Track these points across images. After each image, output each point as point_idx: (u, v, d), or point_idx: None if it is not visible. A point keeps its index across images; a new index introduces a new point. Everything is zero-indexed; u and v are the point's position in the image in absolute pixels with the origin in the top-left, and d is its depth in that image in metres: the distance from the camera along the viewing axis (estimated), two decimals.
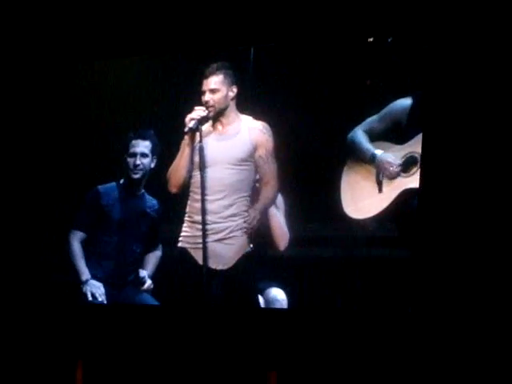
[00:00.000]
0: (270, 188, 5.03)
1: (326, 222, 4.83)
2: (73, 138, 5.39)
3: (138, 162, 5.24)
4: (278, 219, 4.96)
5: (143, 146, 5.29)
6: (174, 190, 5.18)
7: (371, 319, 4.26)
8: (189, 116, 5.12)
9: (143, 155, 5.28)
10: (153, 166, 5.29)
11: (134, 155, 5.29)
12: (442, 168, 4.18)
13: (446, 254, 4.03)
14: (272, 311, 4.64)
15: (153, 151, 5.30)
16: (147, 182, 5.30)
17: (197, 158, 5.11)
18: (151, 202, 5.30)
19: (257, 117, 5.08)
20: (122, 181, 5.35)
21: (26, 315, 4.88)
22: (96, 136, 5.38)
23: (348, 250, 4.74)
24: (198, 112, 5.11)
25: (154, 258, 5.25)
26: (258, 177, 5.04)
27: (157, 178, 5.20)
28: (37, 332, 4.79)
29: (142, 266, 5.25)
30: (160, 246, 5.26)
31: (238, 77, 5.09)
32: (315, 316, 4.46)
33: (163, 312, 4.74)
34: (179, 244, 5.14)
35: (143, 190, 5.34)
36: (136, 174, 5.26)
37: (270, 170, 5.01)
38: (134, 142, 5.31)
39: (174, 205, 5.12)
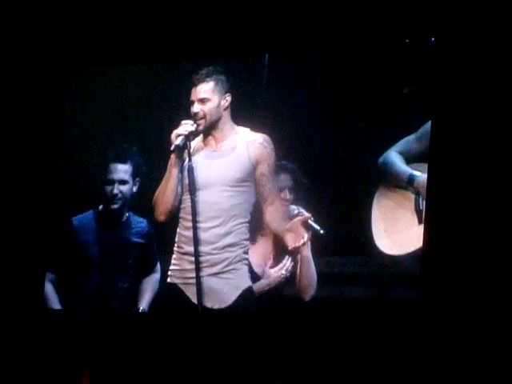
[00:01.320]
0: (277, 208, 4.51)
1: (352, 256, 4.29)
2: (43, 158, 4.97)
3: (116, 190, 4.76)
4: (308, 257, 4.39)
5: (122, 171, 4.79)
6: (161, 217, 4.68)
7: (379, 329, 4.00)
8: (175, 132, 4.62)
9: (122, 182, 4.79)
10: (135, 190, 4.80)
11: (112, 182, 4.80)
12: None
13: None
14: (277, 319, 4.32)
15: (134, 174, 4.80)
16: (134, 200, 4.82)
17: (186, 180, 4.62)
18: (138, 226, 4.80)
19: (255, 129, 4.61)
20: (100, 207, 4.85)
21: (30, 322, 4.68)
22: (70, 155, 4.97)
23: (379, 291, 4.21)
24: (186, 127, 4.61)
25: (149, 284, 4.73)
26: (254, 199, 4.56)
27: (145, 194, 4.74)
28: (42, 340, 4.60)
29: (135, 298, 4.74)
30: (157, 268, 4.72)
31: (232, 83, 4.62)
32: (322, 325, 4.15)
33: (171, 320, 4.48)
34: (168, 279, 4.65)
35: (127, 214, 4.82)
36: (114, 204, 4.78)
37: (274, 188, 4.52)
38: (111, 166, 4.81)
39: (162, 234, 4.69)
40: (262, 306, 4.47)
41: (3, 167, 4.94)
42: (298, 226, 4.43)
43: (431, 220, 3.94)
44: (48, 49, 4.89)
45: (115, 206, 4.77)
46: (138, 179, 4.79)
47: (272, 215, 4.53)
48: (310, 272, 4.37)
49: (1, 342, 4.62)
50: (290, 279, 4.40)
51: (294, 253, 4.43)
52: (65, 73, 4.96)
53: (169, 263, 4.64)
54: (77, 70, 4.97)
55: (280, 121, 4.54)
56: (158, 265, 4.72)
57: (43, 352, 4.58)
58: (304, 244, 4.39)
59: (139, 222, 4.80)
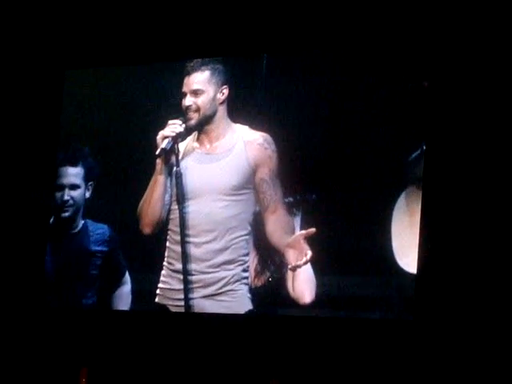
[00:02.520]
0: (280, 217, 4.03)
1: (369, 276, 3.83)
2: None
3: (67, 196, 4.44)
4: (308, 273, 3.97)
5: (73, 174, 4.48)
6: (146, 230, 4.25)
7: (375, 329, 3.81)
8: (161, 133, 4.21)
9: (73, 187, 4.48)
10: (88, 195, 4.44)
11: (62, 188, 4.50)
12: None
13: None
14: (276, 318, 4.06)
15: (86, 178, 4.45)
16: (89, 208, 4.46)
17: (174, 188, 4.19)
18: (97, 233, 4.45)
19: (255, 127, 4.15)
20: (52, 219, 4.56)
21: (29, 322, 4.54)
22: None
23: (399, 314, 3.78)
24: (173, 127, 4.21)
25: (120, 300, 4.43)
26: (257, 208, 4.10)
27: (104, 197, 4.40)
28: (40, 339, 4.47)
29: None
30: (127, 278, 4.39)
31: (229, 74, 4.20)
32: (320, 325, 3.93)
33: (168, 319, 4.25)
34: (156, 299, 4.24)
35: (83, 222, 4.46)
36: (66, 211, 4.46)
37: (276, 195, 4.05)
38: (61, 169, 4.53)
39: (149, 248, 4.29)
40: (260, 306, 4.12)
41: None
42: (300, 241, 3.97)
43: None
44: (44, 48, 4.74)
45: (67, 214, 4.46)
46: (90, 183, 4.45)
47: (273, 226, 4.05)
48: (307, 281, 3.97)
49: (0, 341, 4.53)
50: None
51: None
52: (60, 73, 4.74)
53: (157, 281, 4.26)
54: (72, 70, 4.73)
55: (282, 118, 4.11)
56: (127, 275, 4.38)
57: (41, 351, 4.46)
58: (306, 263, 3.94)
59: (98, 229, 4.44)
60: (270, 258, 4.06)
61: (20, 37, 4.68)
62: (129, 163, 4.43)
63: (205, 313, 4.13)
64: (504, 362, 3.52)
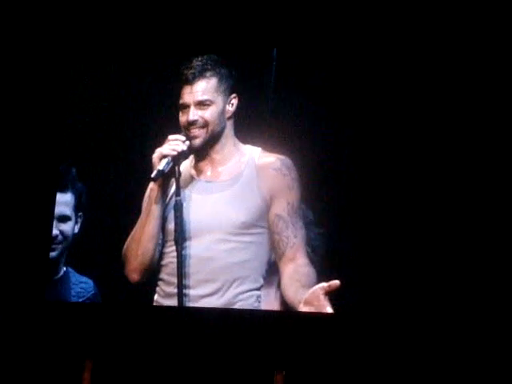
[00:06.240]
0: (299, 268, 3.33)
1: None
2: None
3: (56, 230, 3.72)
4: None
5: (62, 202, 3.74)
6: (134, 276, 3.49)
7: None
8: (159, 151, 3.45)
9: (63, 219, 3.73)
10: (77, 230, 3.70)
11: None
12: None
13: None
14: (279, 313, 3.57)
15: (76, 207, 3.73)
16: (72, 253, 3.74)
17: (171, 224, 3.42)
18: (80, 285, 3.79)
19: (269, 148, 3.47)
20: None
21: (31, 315, 4.13)
22: None
23: None
24: (174, 144, 3.44)
25: None
26: (273, 256, 3.39)
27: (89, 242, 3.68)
28: (44, 333, 4.09)
29: None
30: None
31: (237, 79, 3.49)
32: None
33: (173, 313, 3.75)
34: None
35: (65, 269, 3.74)
36: (53, 250, 3.76)
37: (296, 237, 3.35)
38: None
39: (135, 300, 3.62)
40: None
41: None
42: (319, 297, 3.25)
43: None
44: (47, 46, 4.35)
45: (54, 254, 3.79)
46: (80, 214, 3.73)
47: (289, 279, 3.35)
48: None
49: (2, 335, 4.14)
50: None
51: None
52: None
53: None
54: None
55: (304, 134, 3.49)
56: None
57: (45, 345, 4.10)
58: None
59: (82, 282, 3.79)
60: None
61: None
62: (120, 188, 3.72)
63: (209, 307, 3.57)
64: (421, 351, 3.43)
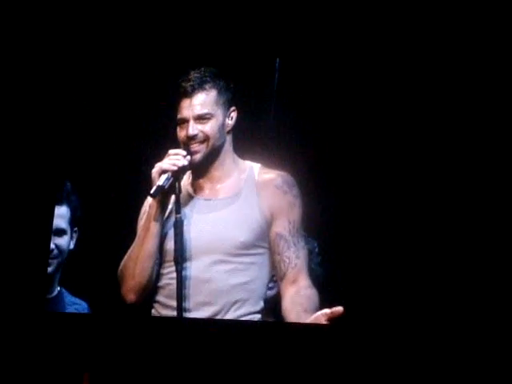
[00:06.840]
0: (301, 290, 3.24)
1: None
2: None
3: (51, 245, 3.66)
4: None
5: (58, 215, 3.66)
6: (130, 296, 3.38)
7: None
8: (158, 165, 3.35)
9: (59, 232, 3.66)
10: (72, 246, 3.63)
11: None
12: None
13: None
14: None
15: (72, 221, 3.66)
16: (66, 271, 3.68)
17: (170, 242, 3.32)
18: (74, 306, 3.73)
19: (269, 164, 3.40)
20: None
21: (30, 326, 4.06)
22: None
23: None
24: (175, 159, 3.33)
25: None
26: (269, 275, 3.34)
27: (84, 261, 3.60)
28: (42, 344, 4.03)
29: None
30: None
31: (234, 91, 3.42)
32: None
33: (171, 325, 3.67)
34: None
35: (59, 289, 3.68)
36: (48, 265, 3.70)
37: (298, 258, 3.25)
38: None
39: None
40: None
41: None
42: (321, 322, 3.20)
43: None
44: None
45: (49, 269, 3.70)
46: (75, 229, 3.67)
47: (291, 302, 3.22)
48: None
49: (0, 346, 4.08)
50: None
51: None
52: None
53: None
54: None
55: (307, 149, 3.42)
56: None
57: (43, 356, 4.02)
58: None
59: (75, 304, 3.74)
60: None
61: None
62: (117, 204, 3.61)
63: (207, 318, 3.46)
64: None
